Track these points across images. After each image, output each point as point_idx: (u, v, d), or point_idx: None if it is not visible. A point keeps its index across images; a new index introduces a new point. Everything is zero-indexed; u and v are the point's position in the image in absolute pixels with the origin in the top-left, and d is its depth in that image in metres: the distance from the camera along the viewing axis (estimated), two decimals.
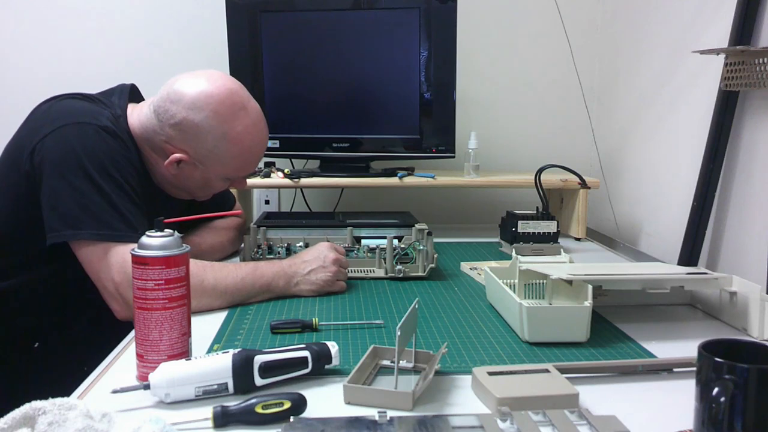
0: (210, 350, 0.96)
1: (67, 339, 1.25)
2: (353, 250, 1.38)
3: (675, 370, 0.89)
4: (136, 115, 1.24)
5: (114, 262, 1.08)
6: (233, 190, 1.62)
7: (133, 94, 1.31)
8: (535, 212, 1.59)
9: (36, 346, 1.24)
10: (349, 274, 1.30)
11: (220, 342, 0.99)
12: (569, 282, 1.06)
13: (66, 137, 1.14)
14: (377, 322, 1.08)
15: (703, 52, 1.36)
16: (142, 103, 1.28)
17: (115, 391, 0.78)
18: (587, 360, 0.93)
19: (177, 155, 1.21)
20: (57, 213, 1.11)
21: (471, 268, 1.41)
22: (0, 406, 0.71)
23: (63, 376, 0.92)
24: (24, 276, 1.21)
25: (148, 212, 1.15)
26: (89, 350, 1.03)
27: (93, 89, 1.30)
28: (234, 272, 1.16)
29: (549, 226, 1.57)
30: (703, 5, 1.52)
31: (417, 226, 1.43)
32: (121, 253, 1.07)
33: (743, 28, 1.33)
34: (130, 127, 1.23)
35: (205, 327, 1.05)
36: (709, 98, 1.43)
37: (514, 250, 1.29)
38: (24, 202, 1.16)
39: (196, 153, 1.22)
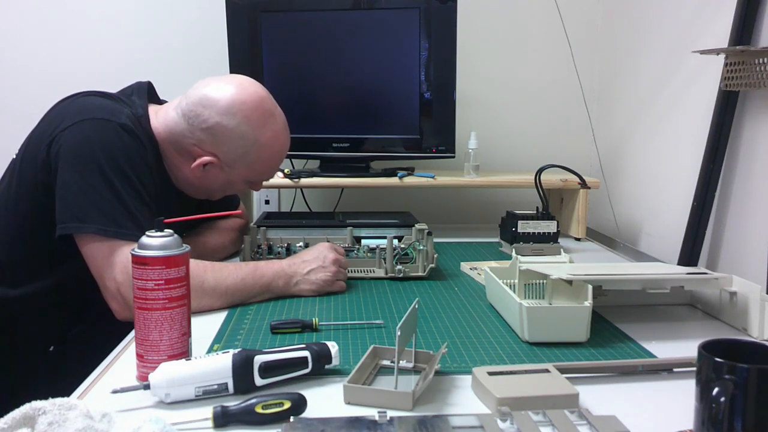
0: (210, 350, 0.96)
1: (74, 341, 1.26)
2: (353, 250, 1.38)
3: (675, 370, 0.89)
4: (161, 118, 1.25)
5: (118, 261, 1.08)
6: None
7: (150, 93, 1.32)
8: (535, 212, 1.59)
9: (51, 349, 1.25)
10: (349, 274, 1.30)
11: (220, 342, 0.99)
12: (569, 282, 1.06)
13: (84, 132, 1.15)
14: (377, 322, 1.08)
15: (703, 52, 1.36)
16: (165, 105, 1.29)
17: (115, 391, 0.78)
18: (587, 360, 0.93)
19: (206, 158, 1.23)
20: (66, 205, 1.12)
21: (471, 268, 1.41)
22: (1, 406, 0.71)
23: (66, 377, 0.92)
24: (36, 282, 1.22)
25: (161, 212, 1.16)
26: (91, 351, 1.03)
27: (94, 88, 1.30)
28: (234, 273, 1.16)
29: (549, 226, 1.57)
30: (703, 5, 1.52)
31: (417, 226, 1.43)
32: (126, 253, 1.07)
33: (743, 28, 1.33)
34: (152, 128, 1.24)
35: (205, 327, 1.05)
36: (709, 98, 1.43)
37: (514, 250, 1.29)
38: (41, 192, 1.17)
39: (226, 157, 1.24)
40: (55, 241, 1.12)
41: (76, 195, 1.11)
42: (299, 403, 0.76)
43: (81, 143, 1.14)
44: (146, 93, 1.30)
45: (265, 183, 1.76)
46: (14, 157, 1.25)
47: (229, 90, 1.23)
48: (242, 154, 1.24)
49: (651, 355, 0.96)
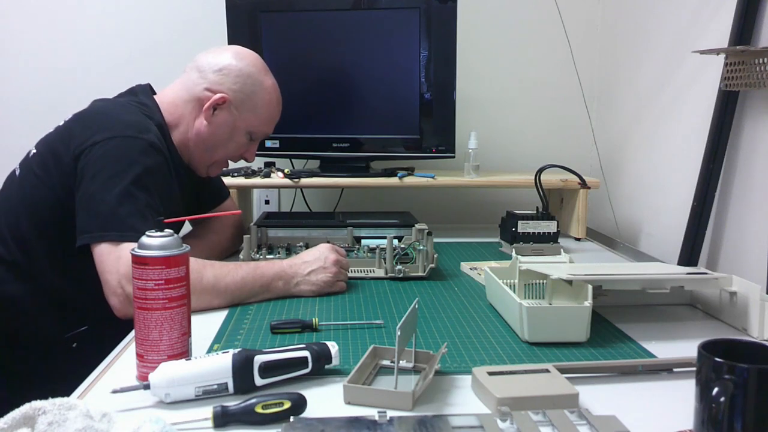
0: (210, 350, 0.96)
1: (74, 341, 1.26)
2: (353, 250, 1.38)
3: (675, 370, 0.89)
4: (169, 97, 1.35)
5: (123, 255, 1.08)
6: (231, 190, 1.63)
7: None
8: (535, 212, 1.59)
9: (52, 349, 1.25)
10: (349, 274, 1.30)
11: (220, 342, 0.99)
12: (569, 282, 1.06)
13: (112, 150, 1.18)
14: (377, 322, 1.08)
15: (703, 52, 1.36)
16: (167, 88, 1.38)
17: (115, 391, 0.78)
18: (587, 360, 0.93)
19: (217, 96, 1.32)
20: (88, 217, 1.14)
21: (471, 268, 1.41)
22: (1, 406, 0.71)
23: (66, 377, 0.92)
24: (38, 282, 1.22)
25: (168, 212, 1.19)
26: (92, 351, 1.03)
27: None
28: (234, 271, 1.16)
29: (549, 226, 1.57)
30: (703, 5, 1.52)
31: (417, 226, 1.43)
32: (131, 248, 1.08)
33: (743, 28, 1.33)
34: (164, 114, 1.31)
35: (205, 327, 1.05)
36: (709, 98, 1.43)
37: (514, 250, 1.29)
38: (62, 195, 1.19)
39: (235, 96, 1.34)
40: (55, 243, 1.13)
41: (100, 209, 1.13)
42: (299, 403, 0.76)
43: (109, 161, 1.17)
44: (149, 93, 1.36)
45: (264, 182, 1.78)
46: (30, 155, 1.27)
47: (232, 47, 1.41)
48: (249, 94, 1.34)
49: (651, 355, 0.96)
